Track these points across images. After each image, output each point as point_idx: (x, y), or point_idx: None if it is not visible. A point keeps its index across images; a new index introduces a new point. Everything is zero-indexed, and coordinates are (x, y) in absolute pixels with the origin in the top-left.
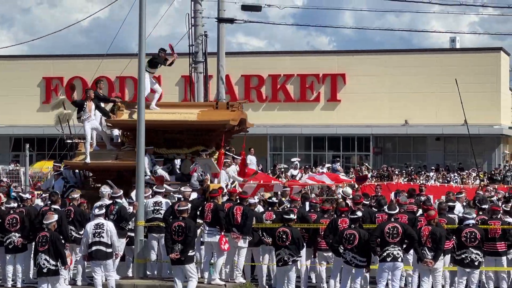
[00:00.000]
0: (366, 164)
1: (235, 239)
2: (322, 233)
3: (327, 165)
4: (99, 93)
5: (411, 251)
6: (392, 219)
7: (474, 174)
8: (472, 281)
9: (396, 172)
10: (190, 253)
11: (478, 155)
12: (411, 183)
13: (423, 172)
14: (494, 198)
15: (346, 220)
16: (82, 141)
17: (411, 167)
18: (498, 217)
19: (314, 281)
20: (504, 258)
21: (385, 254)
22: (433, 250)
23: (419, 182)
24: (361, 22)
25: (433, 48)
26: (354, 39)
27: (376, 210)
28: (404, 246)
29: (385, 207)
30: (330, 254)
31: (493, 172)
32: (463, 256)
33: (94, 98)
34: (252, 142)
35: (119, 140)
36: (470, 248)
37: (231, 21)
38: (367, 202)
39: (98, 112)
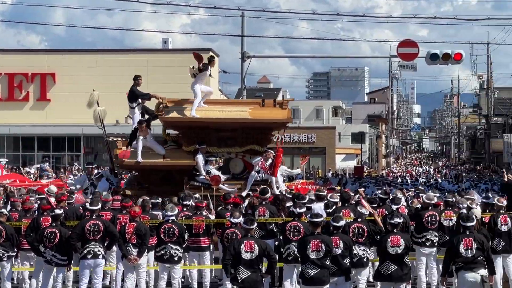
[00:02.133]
0: (76, 164)
1: None
2: (24, 233)
3: (36, 165)
4: (137, 89)
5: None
6: (94, 216)
7: None
8: (174, 276)
9: None
10: None
11: None
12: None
13: None
14: (197, 195)
15: (49, 219)
16: (120, 139)
17: None
18: (203, 213)
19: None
20: (207, 253)
21: (85, 251)
22: (138, 246)
23: None
24: (73, 21)
25: (145, 48)
26: (65, 38)
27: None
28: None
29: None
30: (32, 254)
31: None
32: (162, 252)
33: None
34: None
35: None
36: (169, 244)
37: None
38: (72, 201)
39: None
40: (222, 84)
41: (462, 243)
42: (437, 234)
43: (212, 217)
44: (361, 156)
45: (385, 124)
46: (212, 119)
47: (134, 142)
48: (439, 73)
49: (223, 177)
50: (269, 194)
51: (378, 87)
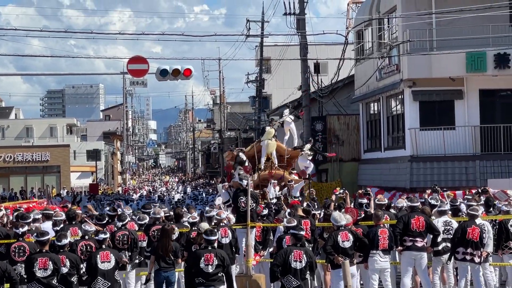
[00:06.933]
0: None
1: None
2: None
3: None
4: None
5: None
6: None
7: None
8: None
9: None
10: None
11: None
12: None
13: None
14: None
15: None
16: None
17: None
18: None
19: None
20: None
21: None
22: None
23: None
24: None
25: None
26: None
27: None
28: None
29: None
30: None
31: None
32: None
33: None
34: None
35: None
36: None
37: None
38: None
39: None
40: None
41: (203, 258)
42: None
43: None
44: (96, 174)
45: (120, 141)
46: None
47: None
48: (174, 89)
49: None
50: None
51: (114, 103)
